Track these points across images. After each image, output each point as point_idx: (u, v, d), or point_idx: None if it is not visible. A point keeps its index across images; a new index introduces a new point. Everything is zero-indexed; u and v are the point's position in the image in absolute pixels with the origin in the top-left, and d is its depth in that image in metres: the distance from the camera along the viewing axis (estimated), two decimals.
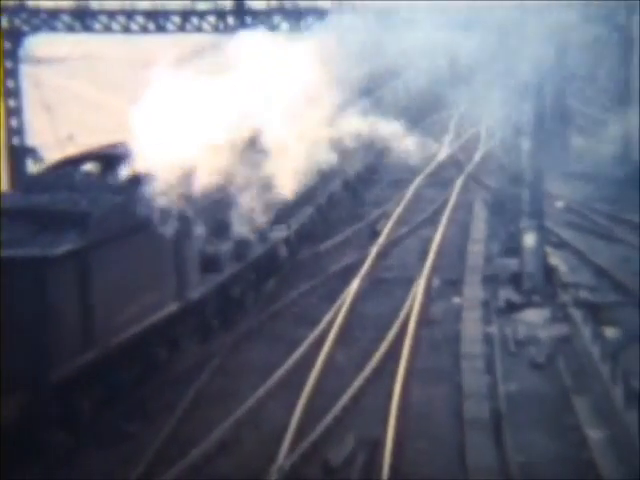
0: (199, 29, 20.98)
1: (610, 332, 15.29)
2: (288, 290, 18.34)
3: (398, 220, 23.27)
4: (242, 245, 15.60)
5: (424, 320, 16.56)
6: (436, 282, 18.72)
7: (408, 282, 18.47)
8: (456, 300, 17.70)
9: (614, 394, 12.53)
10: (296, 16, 20.50)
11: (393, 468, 11.17)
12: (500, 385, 13.75)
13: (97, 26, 20.23)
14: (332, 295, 17.94)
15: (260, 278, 17.04)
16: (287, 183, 13.16)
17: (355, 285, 18.21)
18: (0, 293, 10.84)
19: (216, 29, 21.18)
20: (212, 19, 20.82)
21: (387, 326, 16.04)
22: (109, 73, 33.32)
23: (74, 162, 14.05)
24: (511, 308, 16.90)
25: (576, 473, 11.45)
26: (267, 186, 13.35)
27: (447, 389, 13.83)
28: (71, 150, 24.66)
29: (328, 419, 12.58)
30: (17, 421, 10.81)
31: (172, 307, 13.62)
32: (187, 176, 12.64)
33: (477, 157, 31.70)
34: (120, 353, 12.36)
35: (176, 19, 20.53)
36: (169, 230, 13.00)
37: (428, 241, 21.62)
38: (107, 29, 20.32)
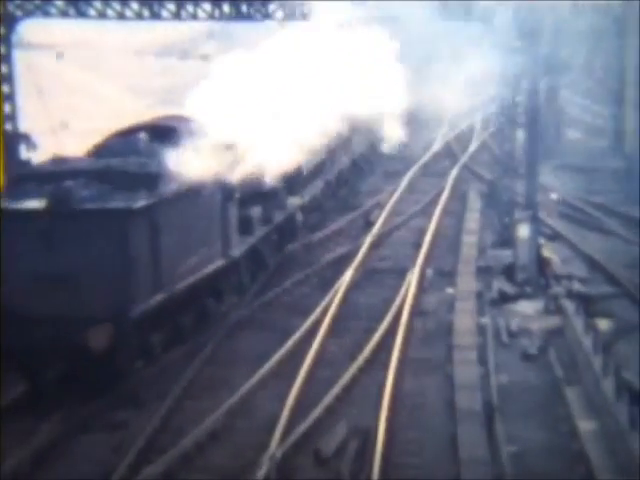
0: (194, 16, 20.81)
1: (602, 324, 15.33)
2: (281, 279, 18.32)
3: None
4: (268, 210, 17.63)
5: (417, 311, 16.56)
6: (429, 273, 18.71)
7: (401, 272, 18.47)
8: (449, 291, 17.70)
9: (605, 386, 12.56)
10: (291, 4, 20.37)
11: (384, 458, 11.17)
12: (492, 376, 13.76)
13: (91, 12, 20.08)
14: (325, 285, 17.93)
15: (281, 240, 18.92)
16: None
17: (348, 275, 18.19)
18: (88, 241, 12.61)
19: (211, 17, 21.04)
20: (207, 6, 20.67)
21: (380, 316, 16.04)
22: (102, 60, 33.20)
23: (127, 132, 15.59)
24: (504, 299, 16.92)
25: (567, 463, 11.48)
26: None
27: (439, 380, 13.84)
28: (64, 137, 24.63)
29: (320, 409, 12.57)
30: (105, 350, 12.53)
31: (218, 263, 15.32)
32: (231, 148, 14.82)
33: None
34: (180, 299, 14.01)
35: (171, 6, 20.38)
36: (218, 195, 15.16)
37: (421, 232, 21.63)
38: (102, 15, 20.17)
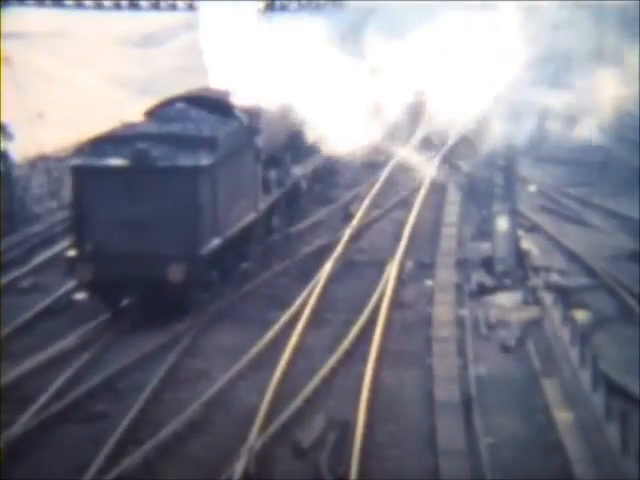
0: (173, 7, 20.78)
1: (580, 315, 15.42)
2: (260, 271, 18.29)
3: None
4: (282, 175, 19.76)
5: (396, 303, 16.58)
6: (409, 265, 18.73)
7: (381, 265, 18.48)
8: (428, 283, 17.73)
9: (582, 377, 12.65)
10: None
11: (363, 449, 11.19)
12: (471, 368, 13.81)
13: (68, 2, 19.92)
14: (304, 277, 17.91)
15: (288, 203, 20.76)
16: None
17: (328, 267, 18.18)
18: (164, 192, 15.07)
19: (190, 7, 20.95)
20: None
21: (359, 308, 16.05)
22: (80, 50, 32.95)
23: (171, 102, 17.70)
24: (483, 291, 16.97)
25: (544, 454, 11.56)
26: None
27: (418, 372, 13.87)
28: (41, 127, 24.43)
29: (299, 400, 12.57)
30: (182, 282, 15.08)
31: (252, 215, 17.69)
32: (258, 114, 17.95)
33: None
34: (228, 243, 16.32)
35: None
36: (251, 156, 17.58)
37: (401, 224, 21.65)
38: (79, 5, 20.04)
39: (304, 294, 16.74)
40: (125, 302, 15.64)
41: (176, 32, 40.86)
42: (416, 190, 24.19)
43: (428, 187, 24.45)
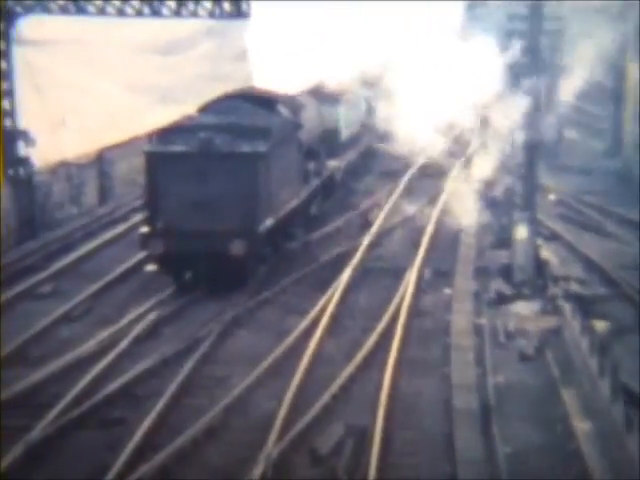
0: (194, 14, 20.82)
1: (599, 325, 15.35)
2: (279, 278, 18.32)
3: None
4: (319, 167, 21.49)
5: (415, 311, 16.56)
6: (427, 273, 18.71)
7: (399, 272, 18.46)
8: (447, 291, 17.70)
9: (601, 387, 12.58)
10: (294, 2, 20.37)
11: (381, 457, 11.18)
12: (489, 376, 13.78)
13: (91, 9, 20.05)
14: (323, 284, 17.92)
15: (324, 193, 22.50)
16: None
17: (346, 275, 18.19)
18: (228, 175, 16.79)
19: (212, 15, 21.04)
20: (208, 4, 20.67)
21: (377, 316, 16.04)
22: (101, 57, 33.08)
23: (224, 98, 19.42)
24: (501, 300, 16.92)
25: (563, 464, 11.50)
26: None
27: (436, 380, 13.84)
28: (62, 134, 24.58)
29: (317, 407, 12.58)
30: (242, 255, 16.83)
31: (295, 201, 19.34)
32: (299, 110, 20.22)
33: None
34: (280, 223, 18.06)
35: (171, 3, 20.38)
36: (294, 147, 19.26)
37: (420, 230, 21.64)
38: (101, 12, 20.15)
39: (322, 301, 16.74)
40: (188, 276, 17.50)
41: (197, 39, 40.99)
42: None
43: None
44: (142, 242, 17.51)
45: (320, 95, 23.08)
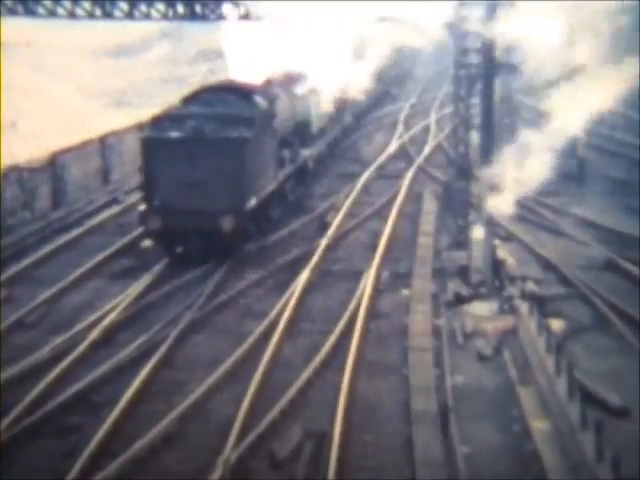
0: (147, 16, 20.59)
1: (555, 324, 15.46)
2: (235, 281, 18.20)
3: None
4: (293, 154, 23.16)
5: (373, 313, 16.54)
6: (385, 275, 18.72)
7: (357, 274, 18.45)
8: (405, 293, 17.71)
9: (558, 386, 12.66)
10: (246, 5, 20.27)
11: (340, 460, 11.13)
12: (447, 377, 13.80)
13: (41, 10, 19.71)
14: (280, 287, 17.84)
15: (297, 178, 24.15)
16: None
17: (304, 277, 18.12)
18: (216, 159, 18.43)
19: (165, 17, 20.83)
20: (161, 6, 20.46)
21: (335, 319, 16.00)
22: (52, 60, 32.63)
23: (205, 90, 21.05)
24: (459, 301, 16.97)
25: (520, 463, 11.55)
26: None
27: (395, 382, 13.83)
28: (13, 137, 24.17)
29: (275, 412, 12.50)
30: (231, 230, 18.57)
31: (273, 184, 20.98)
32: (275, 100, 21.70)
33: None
34: (262, 203, 19.80)
35: (123, 5, 20.13)
36: (271, 135, 20.81)
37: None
38: (51, 14, 19.82)
39: (280, 304, 16.66)
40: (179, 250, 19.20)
41: (151, 42, 40.79)
42: None
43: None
44: (140, 219, 19.25)
45: (293, 89, 24.72)
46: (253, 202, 19.09)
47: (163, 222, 18.69)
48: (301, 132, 24.60)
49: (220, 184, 18.54)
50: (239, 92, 20.71)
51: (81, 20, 20.70)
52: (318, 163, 27.09)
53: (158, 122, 19.24)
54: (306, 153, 25.10)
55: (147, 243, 19.73)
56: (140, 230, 21.78)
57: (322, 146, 27.76)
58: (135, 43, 39.91)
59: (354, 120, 34.95)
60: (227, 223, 18.47)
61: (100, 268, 19.30)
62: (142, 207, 19.23)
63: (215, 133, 18.74)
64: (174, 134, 18.78)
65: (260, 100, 20.94)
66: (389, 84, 44.20)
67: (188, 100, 20.52)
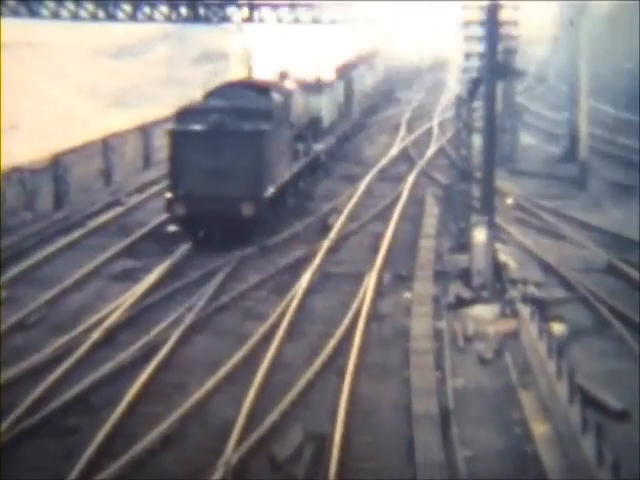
0: (150, 18, 20.61)
1: (556, 328, 15.45)
2: (236, 283, 18.20)
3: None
4: (306, 148, 24.77)
5: (374, 315, 16.53)
6: (387, 277, 18.71)
7: (359, 277, 18.43)
8: (406, 295, 17.70)
9: (559, 389, 12.65)
10: (249, 7, 20.29)
11: (340, 462, 11.11)
12: (448, 380, 13.79)
13: (44, 12, 19.70)
14: (282, 289, 17.83)
15: (311, 170, 25.87)
16: None
17: (305, 279, 18.11)
18: (238, 149, 19.92)
19: (168, 19, 20.86)
20: (164, 8, 20.48)
21: (337, 321, 15.99)
22: (53, 61, 32.60)
23: (227, 86, 22.85)
24: (460, 304, 16.96)
25: (521, 466, 11.53)
26: None
27: (396, 384, 13.82)
28: (14, 138, 24.19)
29: (276, 414, 12.48)
30: (251, 216, 19.96)
31: (288, 175, 22.32)
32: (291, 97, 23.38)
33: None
34: (279, 191, 21.14)
35: (127, 7, 20.13)
36: (287, 128, 22.45)
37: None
38: (55, 15, 19.81)
39: (281, 306, 16.65)
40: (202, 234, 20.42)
41: (152, 43, 40.76)
42: None
43: None
44: (167, 206, 20.56)
45: (306, 85, 26.59)
46: (271, 190, 20.41)
47: (188, 208, 19.95)
48: (313, 127, 26.03)
49: (240, 173, 19.92)
50: (257, 88, 22.22)
51: (84, 22, 20.71)
52: (329, 156, 28.69)
53: (183, 115, 20.62)
54: (319, 147, 26.49)
55: (172, 228, 21.01)
56: (141, 231, 21.90)
57: (333, 141, 29.37)
58: (137, 44, 39.86)
59: (362, 116, 36.57)
60: (247, 209, 19.76)
61: (101, 269, 19.30)
62: (168, 195, 20.51)
63: (236, 126, 20.08)
64: (198, 127, 20.18)
65: (276, 95, 22.29)
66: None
67: (210, 95, 21.99)
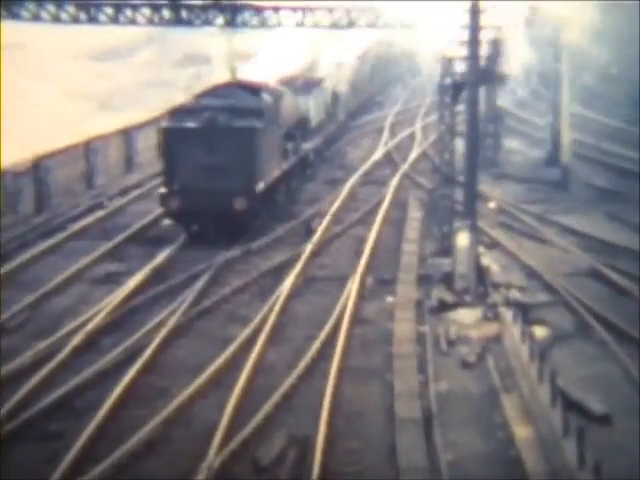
0: (132, 21, 20.52)
1: (539, 331, 15.51)
2: (219, 287, 18.17)
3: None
4: (296, 147, 25.35)
5: (357, 319, 16.55)
6: (370, 281, 18.73)
7: (342, 281, 18.45)
8: (389, 299, 17.73)
9: (541, 392, 12.71)
10: (232, 11, 20.26)
11: (323, 466, 11.12)
12: (431, 384, 13.82)
13: (25, 14, 19.58)
14: (265, 293, 17.82)
15: (299, 168, 26.64)
16: None
17: (288, 283, 18.11)
18: (231, 146, 20.64)
19: (150, 22, 20.78)
20: (146, 11, 20.40)
21: (320, 325, 15.99)
22: (38, 64, 32.46)
23: (219, 87, 23.49)
24: (443, 308, 17.01)
25: (503, 470, 11.57)
26: None
27: (379, 388, 13.84)
28: None
29: (259, 417, 12.47)
30: (243, 210, 20.70)
31: (277, 173, 23.10)
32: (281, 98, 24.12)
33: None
34: (269, 188, 21.99)
35: (109, 10, 20.03)
36: (277, 128, 23.13)
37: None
38: (35, 17, 19.68)
39: (264, 310, 16.64)
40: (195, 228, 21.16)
41: (137, 46, 40.65)
42: None
43: None
44: (161, 200, 21.28)
45: (294, 86, 27.43)
46: (262, 185, 21.15)
47: (182, 203, 20.67)
48: (302, 127, 26.78)
49: (233, 168, 20.64)
50: (248, 88, 23.04)
51: (65, 24, 20.60)
52: (317, 155, 29.53)
53: (176, 114, 21.46)
54: (307, 146, 27.33)
55: (167, 221, 21.84)
56: (124, 235, 21.84)
57: (320, 140, 30.29)
58: (121, 47, 39.73)
59: (347, 117, 37.59)
60: (239, 203, 20.51)
61: (84, 272, 19.22)
62: (162, 190, 21.27)
63: (228, 123, 20.83)
64: (192, 124, 20.93)
65: (267, 96, 23.08)
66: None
67: (203, 95, 22.78)
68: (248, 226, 21.28)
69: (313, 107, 28.83)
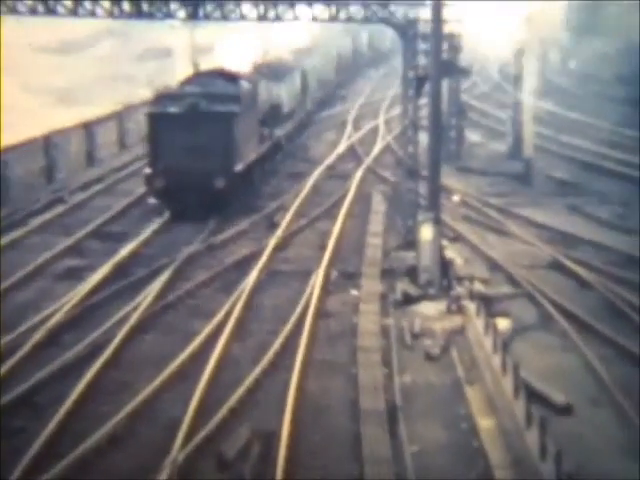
0: (92, 14, 20.20)
1: (502, 323, 15.64)
2: (182, 282, 18.07)
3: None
4: (270, 132, 27.24)
5: (322, 313, 16.55)
6: (334, 275, 18.74)
7: (306, 274, 18.44)
8: (354, 293, 17.76)
9: (504, 384, 12.81)
10: (194, 4, 20.07)
11: (288, 460, 11.12)
12: (396, 377, 13.87)
13: None
14: (228, 287, 17.76)
15: (271, 152, 28.02)
16: None
17: (252, 277, 18.07)
18: (211, 129, 22.20)
19: (110, 15, 20.48)
20: (106, 4, 20.10)
21: (284, 319, 15.98)
22: None
23: (200, 75, 25.37)
24: (407, 301, 17.07)
25: (467, 460, 11.66)
26: None
27: (343, 381, 13.86)
28: None
29: (223, 411, 12.43)
30: (223, 188, 22.23)
31: (254, 155, 24.81)
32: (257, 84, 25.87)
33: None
34: (246, 169, 23.58)
35: (68, 2, 19.71)
36: (254, 113, 24.98)
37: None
38: None
39: (228, 304, 16.58)
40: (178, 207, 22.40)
41: (97, 39, 40.13)
42: None
43: None
44: (146, 180, 22.76)
45: (268, 74, 28.70)
46: (240, 166, 22.77)
47: (166, 182, 22.16)
48: (275, 113, 28.28)
49: (213, 150, 22.18)
50: (227, 76, 24.46)
51: (22, 16, 20.24)
52: (288, 141, 31.05)
53: (160, 99, 23.01)
54: (279, 132, 28.86)
55: (152, 200, 23.14)
56: (86, 230, 21.65)
57: (291, 126, 31.92)
58: (80, 40, 39.25)
59: (315, 105, 39.30)
60: (219, 182, 22.03)
61: (45, 268, 19.01)
62: (147, 170, 22.75)
63: (209, 108, 22.33)
64: (175, 109, 22.45)
65: (244, 83, 24.58)
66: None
67: (184, 83, 24.33)
68: (227, 203, 22.64)
69: (285, 94, 30.26)
